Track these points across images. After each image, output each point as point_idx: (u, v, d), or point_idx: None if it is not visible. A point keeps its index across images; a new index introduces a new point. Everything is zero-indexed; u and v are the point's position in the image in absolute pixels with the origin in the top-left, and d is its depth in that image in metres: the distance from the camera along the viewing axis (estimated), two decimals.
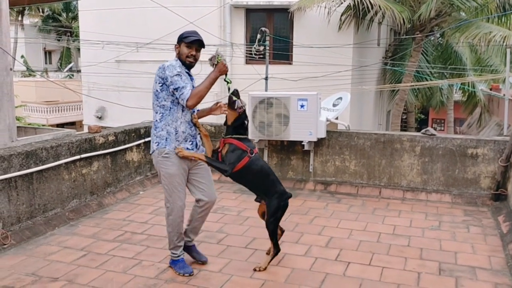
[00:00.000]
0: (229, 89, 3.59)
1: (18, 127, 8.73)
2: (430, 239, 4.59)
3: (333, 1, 12.03)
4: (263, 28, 10.79)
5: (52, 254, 4.15)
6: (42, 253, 4.17)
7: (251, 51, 11.44)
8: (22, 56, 32.53)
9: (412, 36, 14.54)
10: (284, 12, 12.45)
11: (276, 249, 3.77)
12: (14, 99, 5.49)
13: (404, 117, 23.35)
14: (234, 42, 12.65)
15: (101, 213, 5.33)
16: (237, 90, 3.58)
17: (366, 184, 6.20)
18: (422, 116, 31.16)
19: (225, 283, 3.58)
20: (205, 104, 3.76)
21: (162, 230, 4.75)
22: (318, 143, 6.29)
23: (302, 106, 5.98)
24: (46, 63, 38.68)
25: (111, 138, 5.80)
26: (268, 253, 3.88)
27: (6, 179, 4.36)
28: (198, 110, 3.78)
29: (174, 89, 3.43)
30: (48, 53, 39.68)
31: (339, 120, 6.97)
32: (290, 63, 12.88)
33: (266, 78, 10.12)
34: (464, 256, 4.18)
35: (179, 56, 3.56)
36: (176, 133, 3.52)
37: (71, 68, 33.91)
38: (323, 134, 6.13)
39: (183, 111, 3.52)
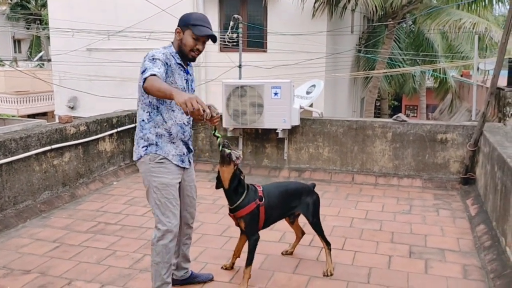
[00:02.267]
0: (219, 144, 3.07)
1: None
2: (401, 223, 4.70)
3: None
4: (235, 15, 10.72)
5: (24, 246, 4.09)
6: (13, 245, 4.10)
7: (224, 38, 11.36)
8: None
9: (385, 23, 14.69)
10: (258, 0, 12.39)
11: (329, 244, 3.64)
12: None
13: (378, 104, 23.68)
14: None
15: (74, 205, 5.26)
16: (227, 142, 3.14)
17: (339, 170, 6.29)
18: (396, 103, 31.62)
19: (200, 271, 3.59)
20: None
21: (136, 220, 4.75)
22: (292, 131, 6.33)
23: (275, 94, 6.00)
24: (15, 52, 37.59)
25: (82, 128, 5.71)
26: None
27: None
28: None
29: (141, 72, 2.76)
30: (17, 42, 38.56)
31: (313, 107, 7.03)
32: (265, 51, 12.84)
33: (240, 66, 10.08)
34: (434, 239, 4.30)
35: (178, 44, 2.93)
36: (170, 135, 2.96)
37: (41, 57, 33.07)
38: (297, 122, 6.17)
39: (174, 110, 2.93)
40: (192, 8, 12.81)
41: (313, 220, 3.60)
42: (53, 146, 5.22)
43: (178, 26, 2.95)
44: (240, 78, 9.80)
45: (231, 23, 10.36)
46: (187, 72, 3.03)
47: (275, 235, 4.34)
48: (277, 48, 11.94)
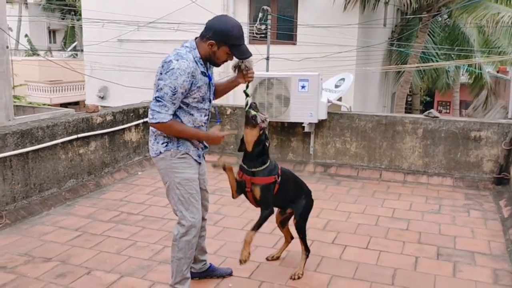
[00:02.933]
0: (246, 104, 2.99)
1: (17, 106, 8.68)
2: (429, 223, 4.52)
3: None
4: (264, 7, 10.59)
5: (46, 234, 4.13)
6: (36, 233, 4.14)
7: (255, 36, 11.25)
8: (26, 36, 32.36)
9: (419, 16, 14.28)
10: None
11: (308, 251, 3.50)
12: (10, 77, 5.41)
13: (409, 99, 23.16)
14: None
15: (98, 193, 5.29)
16: (255, 103, 3.06)
17: (366, 166, 6.13)
18: (428, 99, 30.86)
19: (220, 265, 3.54)
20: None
21: (159, 211, 4.73)
22: (319, 125, 6.20)
23: (303, 87, 5.87)
24: (50, 42, 38.46)
25: (109, 118, 5.73)
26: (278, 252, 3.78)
27: (0, 158, 4.32)
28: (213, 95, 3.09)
29: (155, 97, 2.73)
30: (52, 32, 39.44)
31: (342, 102, 6.86)
32: (294, 44, 12.69)
33: (268, 58, 9.97)
34: (463, 241, 4.12)
35: (209, 54, 2.78)
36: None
37: (75, 47, 33.71)
38: (324, 116, 6.03)
39: (192, 114, 2.86)
40: (222, 1, 12.76)
41: (299, 221, 3.41)
42: (79, 135, 5.25)
43: (213, 39, 2.73)
44: (267, 70, 9.69)
45: (260, 15, 10.24)
46: (209, 77, 2.91)
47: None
48: (307, 41, 11.76)
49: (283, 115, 6.01)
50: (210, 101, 2.99)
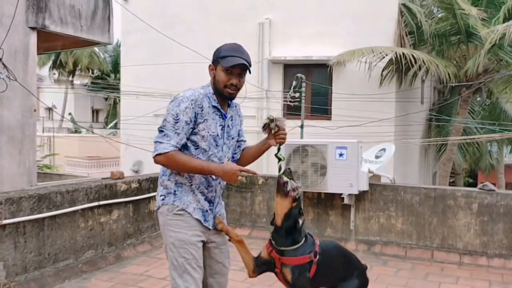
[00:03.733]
0: (279, 168, 2.63)
1: (44, 173, 8.60)
2: None
3: (374, 56, 11.70)
4: (298, 75, 10.49)
5: None
6: None
7: (289, 104, 11.10)
8: (70, 113, 33.83)
9: (459, 94, 13.93)
10: (323, 67, 12.20)
11: None
12: (36, 142, 5.24)
13: (452, 180, 22.16)
14: (272, 94, 12.44)
15: (118, 267, 4.83)
16: (289, 169, 2.66)
17: (415, 245, 5.46)
18: (470, 180, 29.61)
19: None
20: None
21: None
22: (360, 197, 5.67)
23: (341, 155, 5.45)
24: (93, 120, 40.14)
25: (134, 185, 5.41)
26: None
27: (13, 223, 3.99)
28: (235, 158, 2.77)
29: (158, 128, 2.47)
30: (95, 112, 41.32)
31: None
32: (329, 119, 12.44)
33: (302, 126, 9.63)
34: None
35: (213, 82, 2.57)
36: (191, 184, 2.54)
37: (115, 124, 34.90)
38: (365, 187, 5.52)
39: (199, 158, 2.52)
40: (257, 75, 12.86)
41: None
42: (101, 202, 4.91)
43: (210, 64, 2.61)
44: (301, 137, 9.27)
45: (294, 83, 10.10)
46: (224, 117, 2.61)
47: None
48: (342, 114, 11.50)
49: (320, 185, 5.54)
50: (223, 150, 2.62)
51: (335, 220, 5.84)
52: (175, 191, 2.53)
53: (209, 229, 2.61)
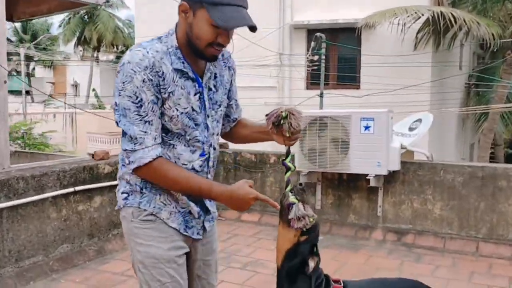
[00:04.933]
0: (287, 183, 1.74)
1: (31, 153, 8.00)
2: None
3: (408, 16, 10.47)
4: (318, 34, 9.34)
5: None
6: None
7: (308, 69, 10.03)
8: (93, 89, 33.61)
9: (503, 59, 12.53)
10: (350, 32, 11.05)
11: None
12: (7, 118, 4.51)
13: (491, 151, 20.70)
14: (295, 61, 11.39)
15: (98, 263, 4.10)
16: (302, 185, 1.73)
17: (457, 235, 4.50)
18: (510, 151, 27.87)
19: None
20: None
21: None
22: (389, 178, 4.72)
23: (366, 127, 4.50)
24: None
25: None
26: None
27: None
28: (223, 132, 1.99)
29: (119, 125, 1.64)
30: None
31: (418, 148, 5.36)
32: (357, 87, 11.35)
33: (321, 95, 8.52)
34: None
35: (185, 32, 1.64)
36: None
37: None
38: (396, 166, 4.56)
39: (175, 147, 1.71)
40: (278, 42, 11.83)
41: None
42: (78, 188, 4.15)
43: (185, 0, 1.62)
44: (321, 108, 8.18)
45: (313, 44, 9.01)
46: (199, 84, 1.71)
47: None
48: (373, 82, 10.39)
49: (341, 165, 4.62)
50: (208, 129, 1.75)
51: (360, 205, 4.93)
52: (141, 189, 1.73)
53: (191, 237, 1.80)
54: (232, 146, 5.69)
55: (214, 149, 1.80)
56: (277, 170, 5.28)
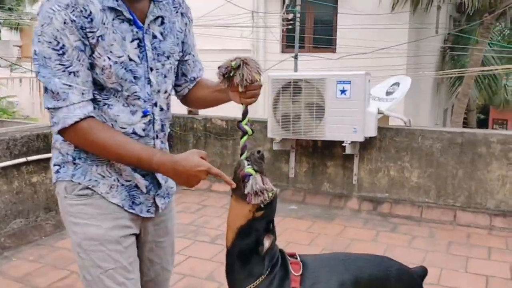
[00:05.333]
0: (243, 149, 1.52)
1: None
2: None
3: None
4: None
5: None
6: None
7: (282, 28, 9.63)
8: None
9: (479, 21, 12.35)
10: None
11: None
12: None
13: (464, 116, 20.91)
14: (268, 26, 10.95)
15: (56, 238, 3.81)
16: (260, 152, 1.50)
17: (434, 204, 4.37)
18: (482, 116, 28.24)
19: None
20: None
21: None
22: (366, 145, 4.51)
23: (343, 91, 4.24)
24: None
25: None
26: None
27: None
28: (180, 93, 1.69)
29: (40, 78, 1.33)
30: None
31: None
32: (333, 51, 11.05)
33: (296, 57, 8.16)
34: None
35: None
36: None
37: None
38: (373, 132, 4.35)
39: (111, 107, 1.40)
40: (252, 3, 11.33)
41: None
42: (31, 158, 3.80)
43: None
44: (295, 70, 7.81)
45: (287, 1, 8.60)
46: (137, 24, 1.39)
47: None
48: (349, 45, 10.09)
49: (316, 131, 4.37)
50: (150, 84, 1.44)
51: (334, 173, 4.73)
52: (74, 159, 1.44)
53: (140, 215, 1.53)
54: (202, 112, 5.37)
55: (162, 109, 1.51)
56: (250, 138, 5.00)
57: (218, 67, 1.42)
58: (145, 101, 1.43)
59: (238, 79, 1.37)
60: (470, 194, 4.24)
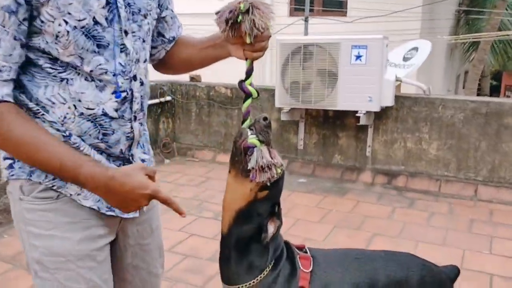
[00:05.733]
0: (246, 116, 1.21)
1: None
2: None
3: None
4: None
5: None
6: None
7: None
8: None
9: None
10: None
11: None
12: None
13: (478, 82, 20.35)
14: None
15: None
16: (267, 120, 1.17)
17: (453, 177, 4.09)
18: (494, 83, 27.56)
19: None
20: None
21: None
22: (381, 115, 4.20)
23: (358, 57, 3.90)
24: None
25: None
26: None
27: None
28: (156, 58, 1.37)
29: None
30: None
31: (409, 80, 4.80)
32: (344, 14, 10.55)
33: (306, 19, 7.66)
34: None
35: None
36: (66, 136, 1.09)
37: None
38: (389, 102, 4.03)
39: (71, 82, 1.08)
40: None
41: None
42: None
43: None
44: (305, 34, 7.30)
45: None
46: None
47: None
48: (360, 8, 9.61)
49: (327, 100, 4.06)
50: (127, 52, 1.13)
51: (346, 144, 4.44)
52: None
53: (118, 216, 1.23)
54: (206, 79, 5.06)
55: (142, 83, 1.20)
56: (255, 107, 4.70)
57: (217, 12, 1.10)
58: (115, 75, 1.11)
59: (247, 27, 1.06)
60: (494, 168, 3.95)
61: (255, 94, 1.18)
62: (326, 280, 1.32)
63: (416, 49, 4.77)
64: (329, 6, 10.62)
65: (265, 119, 1.17)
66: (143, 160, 1.27)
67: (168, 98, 5.06)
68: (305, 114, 4.48)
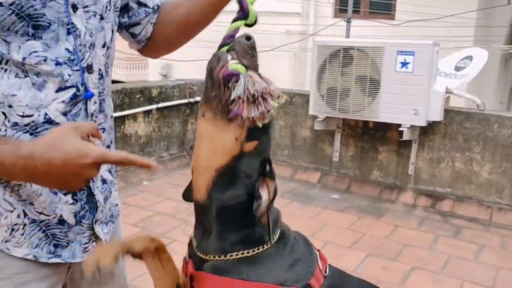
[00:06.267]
0: (225, 40, 0.89)
1: None
2: None
3: None
4: None
5: None
6: None
7: (341, 0, 8.77)
8: None
9: None
10: None
11: None
12: None
13: None
14: None
15: None
16: (250, 39, 0.87)
17: (507, 205, 3.60)
18: None
19: None
20: None
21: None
22: (427, 130, 3.77)
23: (404, 64, 3.49)
24: None
25: None
26: None
27: None
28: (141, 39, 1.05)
29: None
30: None
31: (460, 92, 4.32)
32: (392, 18, 10.03)
33: (349, 20, 7.18)
34: None
35: None
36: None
37: None
38: (438, 116, 3.60)
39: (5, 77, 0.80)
40: None
41: None
42: None
43: None
44: (347, 36, 6.88)
45: None
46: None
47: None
48: (410, 11, 9.08)
49: (367, 110, 3.67)
50: (76, 35, 0.83)
51: (387, 160, 4.03)
52: None
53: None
54: None
55: (101, 76, 0.90)
56: (289, 113, 4.36)
57: None
58: (58, 64, 0.81)
59: None
60: None
61: (252, 18, 0.89)
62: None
63: (470, 58, 4.30)
64: (376, 7, 10.13)
65: (248, 38, 0.87)
66: (104, 181, 0.96)
67: (198, 98, 4.81)
68: (342, 124, 4.09)
